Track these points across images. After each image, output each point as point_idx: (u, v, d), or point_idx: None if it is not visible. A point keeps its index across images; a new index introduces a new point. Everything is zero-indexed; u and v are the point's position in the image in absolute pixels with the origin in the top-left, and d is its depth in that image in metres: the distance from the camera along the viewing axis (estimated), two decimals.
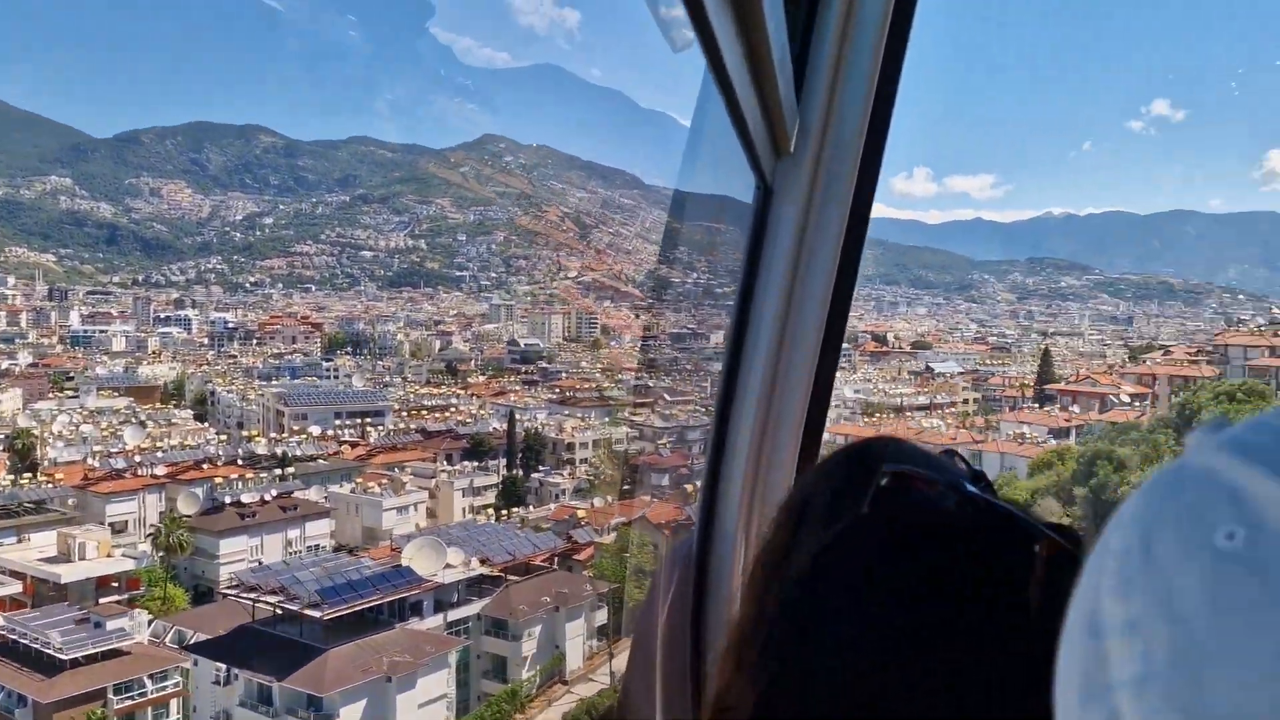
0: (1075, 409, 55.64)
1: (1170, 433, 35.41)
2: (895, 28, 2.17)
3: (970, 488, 0.88)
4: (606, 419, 71.81)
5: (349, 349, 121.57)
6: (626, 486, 51.15)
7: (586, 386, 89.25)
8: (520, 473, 63.23)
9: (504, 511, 54.31)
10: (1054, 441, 48.18)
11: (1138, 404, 52.33)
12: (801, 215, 2.27)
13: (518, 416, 70.94)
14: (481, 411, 78.75)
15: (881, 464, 1.10)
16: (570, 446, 66.76)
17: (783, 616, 0.88)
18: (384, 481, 56.17)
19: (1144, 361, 65.06)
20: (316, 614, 34.76)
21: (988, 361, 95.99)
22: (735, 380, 2.34)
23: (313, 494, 54.51)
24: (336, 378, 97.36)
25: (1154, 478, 0.52)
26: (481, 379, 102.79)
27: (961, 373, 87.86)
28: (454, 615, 39.46)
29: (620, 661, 32.02)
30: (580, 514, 49.71)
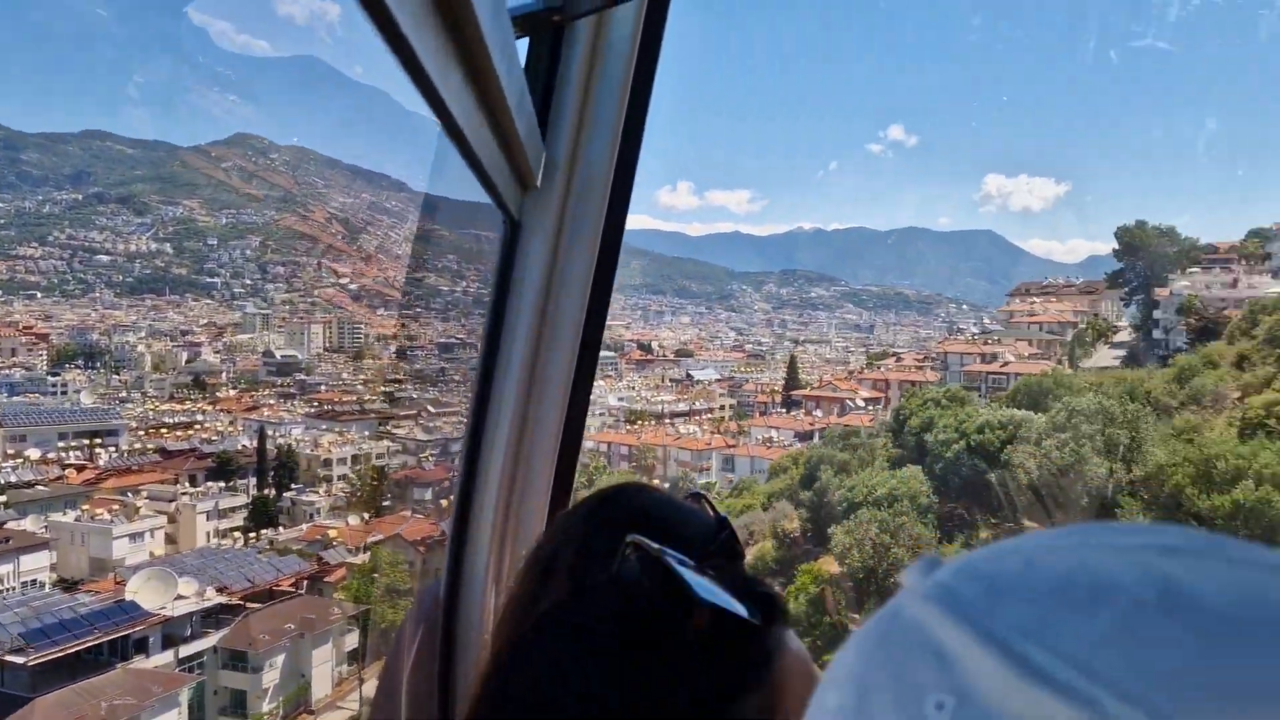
0: (819, 413, 59.29)
1: (889, 435, 38.20)
2: (641, 65, 2.14)
3: (675, 564, 0.90)
4: (366, 433, 69.37)
5: (80, 362, 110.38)
6: (385, 503, 49.75)
7: (347, 399, 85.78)
8: (272, 492, 59.80)
9: (252, 534, 51.41)
10: (800, 444, 50.95)
11: (871, 408, 55.92)
12: (551, 249, 2.20)
13: (272, 432, 67.11)
14: (231, 428, 73.87)
15: (628, 516, 1.15)
16: (327, 463, 63.85)
17: (515, 674, 0.91)
18: (115, 507, 51.34)
19: (879, 367, 69.54)
20: (20, 660, 31.20)
21: (743, 369, 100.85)
22: (484, 420, 2.23)
23: (29, 524, 48.95)
24: (64, 394, 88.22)
25: (868, 627, 0.50)
26: (233, 393, 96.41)
27: (719, 379, 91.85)
28: (186, 650, 36.65)
29: (371, 687, 31.05)
30: (333, 534, 47.78)
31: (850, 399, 58.74)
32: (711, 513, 1.29)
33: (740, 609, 0.87)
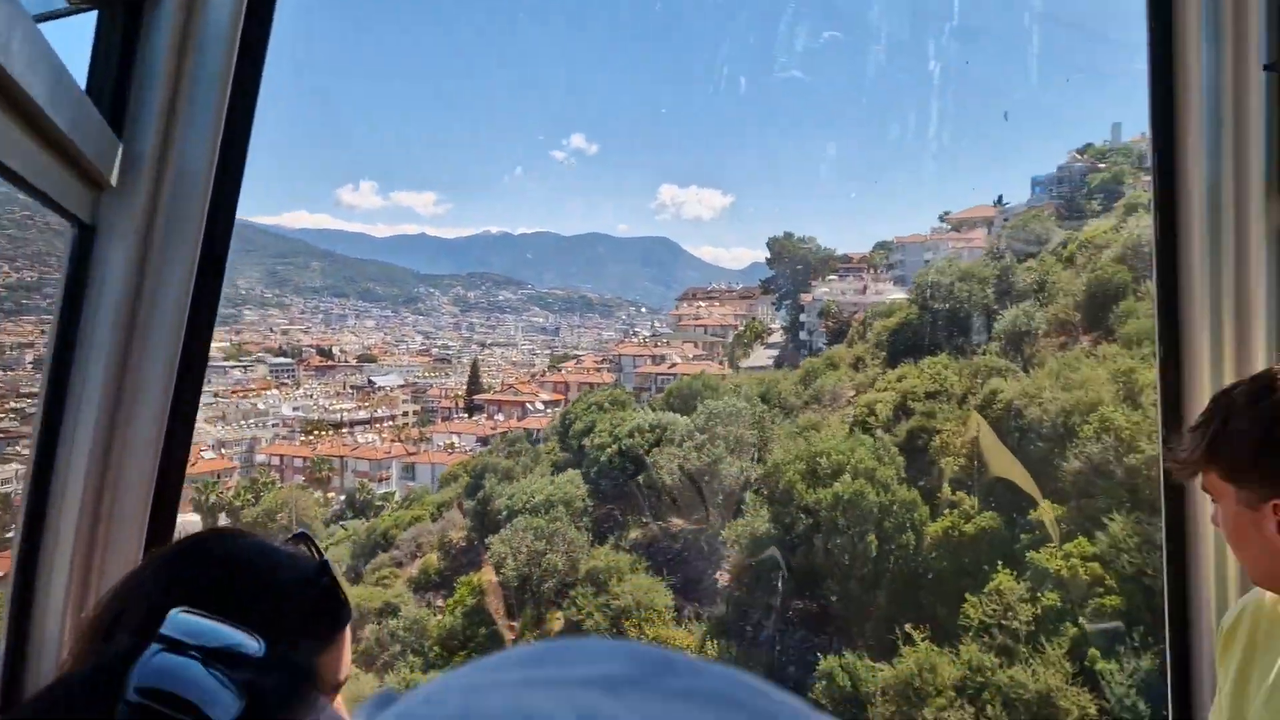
0: (500, 417, 59.19)
1: (557, 440, 38.66)
2: (246, 51, 1.95)
3: (155, 651, 0.86)
4: None
5: None
6: (8, 535, 43.41)
7: None
8: None
9: None
10: (482, 449, 50.41)
11: (551, 410, 55.64)
12: (137, 255, 1.93)
13: None
14: None
15: (209, 568, 1.09)
16: None
17: None
18: None
19: (559, 370, 70.54)
20: None
21: (429, 374, 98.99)
22: (53, 455, 1.92)
23: None
24: None
25: None
26: None
27: (402, 385, 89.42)
28: None
29: None
30: None
31: (531, 402, 59.07)
32: (316, 556, 1.20)
33: (221, 699, 0.81)
